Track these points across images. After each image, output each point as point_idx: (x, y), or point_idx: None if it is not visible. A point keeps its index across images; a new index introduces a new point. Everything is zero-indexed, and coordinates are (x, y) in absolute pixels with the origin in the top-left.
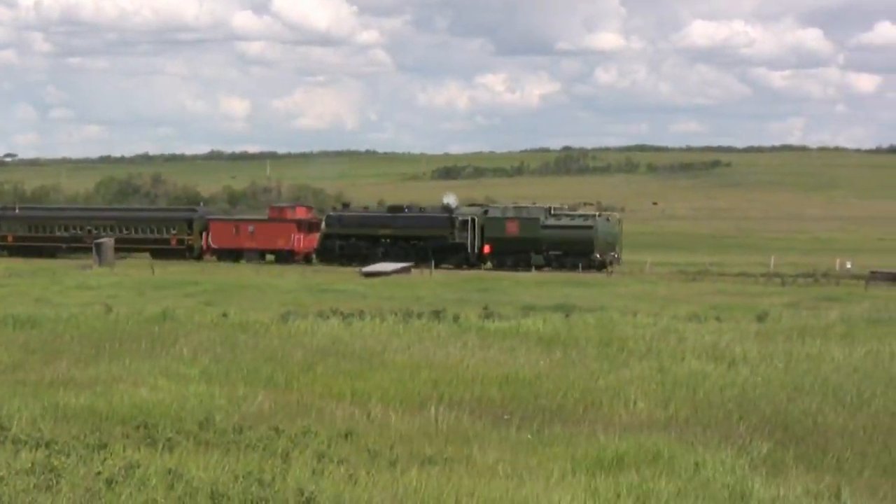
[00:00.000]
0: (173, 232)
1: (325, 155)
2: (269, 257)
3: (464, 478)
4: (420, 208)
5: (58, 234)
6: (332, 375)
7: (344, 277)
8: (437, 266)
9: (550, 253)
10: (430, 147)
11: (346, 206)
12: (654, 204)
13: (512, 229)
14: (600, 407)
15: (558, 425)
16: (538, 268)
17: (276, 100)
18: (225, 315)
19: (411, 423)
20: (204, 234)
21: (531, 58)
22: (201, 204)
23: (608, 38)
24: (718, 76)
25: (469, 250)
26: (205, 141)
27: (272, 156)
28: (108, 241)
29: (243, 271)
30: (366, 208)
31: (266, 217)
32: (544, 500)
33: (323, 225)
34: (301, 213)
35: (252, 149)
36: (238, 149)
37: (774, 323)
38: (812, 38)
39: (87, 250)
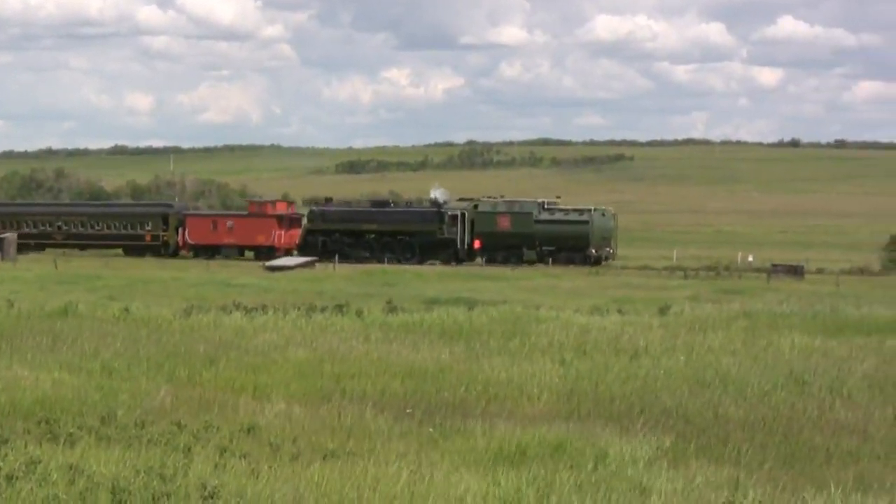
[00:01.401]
0: (147, 228)
1: (229, 150)
2: (249, 254)
3: (366, 471)
4: (407, 202)
5: (25, 230)
6: (235, 370)
7: (247, 271)
8: (424, 262)
9: (544, 248)
10: (335, 141)
11: (328, 200)
12: (557, 198)
13: (503, 224)
14: (503, 400)
15: (461, 419)
16: (531, 263)
17: (180, 94)
18: (127, 310)
19: (314, 417)
20: (180, 230)
21: (435, 52)
22: (176, 199)
23: (512, 33)
24: (622, 70)
25: (458, 246)
26: (109, 136)
27: (176, 150)
28: (10, 236)
29: (147, 266)
30: (349, 203)
31: (246, 212)
32: (446, 493)
33: (305, 220)
34: (282, 208)
35: (156, 143)
36: (142, 143)
37: (676, 316)
38: (715, 32)
39: (59, 247)
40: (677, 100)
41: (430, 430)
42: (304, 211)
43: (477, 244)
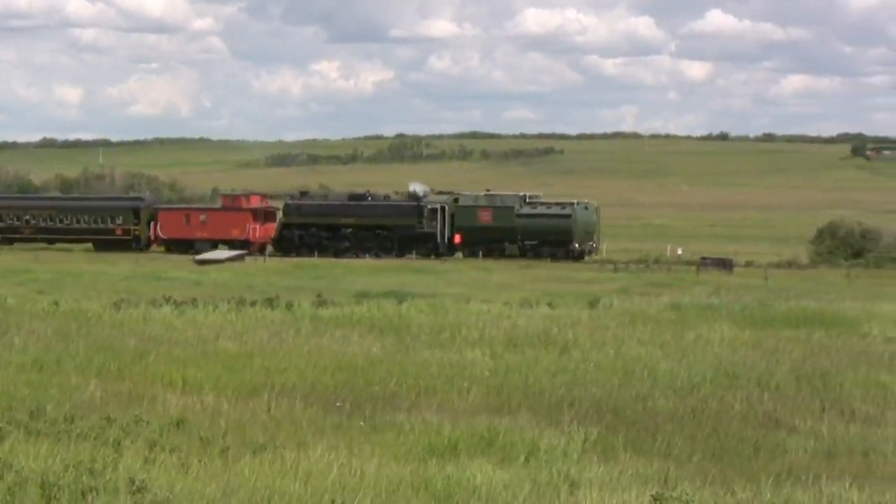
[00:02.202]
0: (118, 221)
1: (158, 143)
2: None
3: (297, 465)
4: (385, 196)
5: None
6: (165, 364)
7: (177, 265)
8: (403, 255)
9: (526, 243)
10: (265, 134)
11: (304, 194)
12: (487, 191)
13: (485, 218)
14: (433, 393)
15: (391, 412)
16: (512, 258)
17: (109, 87)
18: (56, 304)
19: (244, 410)
20: (152, 224)
21: (365, 45)
22: (147, 192)
23: (441, 26)
24: (551, 63)
25: (438, 240)
26: (37, 129)
27: (105, 143)
28: None
29: (77, 260)
30: (326, 196)
31: (219, 206)
32: (377, 486)
33: (280, 214)
34: (256, 202)
35: (85, 136)
36: (71, 136)
37: (606, 309)
38: (644, 25)
39: (27, 241)
40: (607, 93)
41: (361, 423)
42: (280, 204)
43: (458, 238)
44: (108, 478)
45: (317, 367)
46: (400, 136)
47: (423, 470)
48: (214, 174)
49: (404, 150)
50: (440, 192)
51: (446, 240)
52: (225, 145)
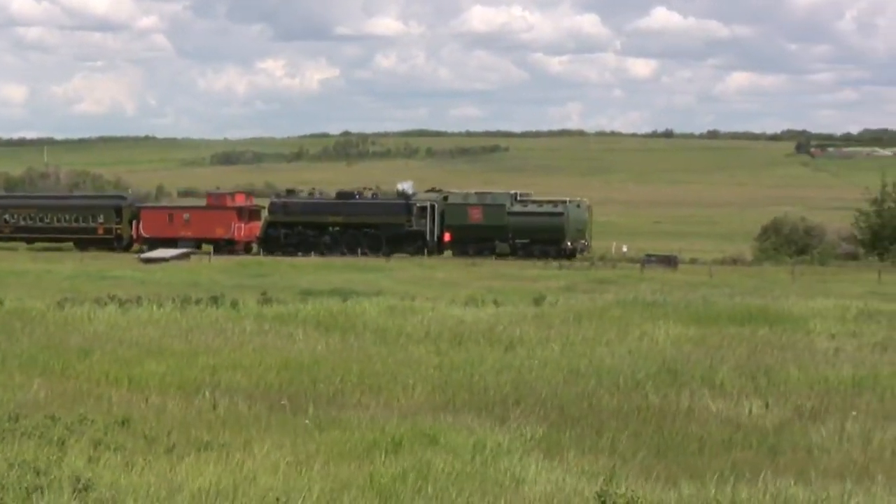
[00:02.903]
0: (100, 220)
1: (103, 141)
2: (207, 247)
3: (242, 464)
4: (373, 194)
5: None
6: (109, 362)
7: (122, 263)
8: (392, 255)
9: (517, 241)
10: (210, 132)
11: (290, 192)
12: (434, 189)
13: (475, 216)
14: (378, 391)
15: (336, 409)
16: (502, 256)
17: (54, 85)
18: (0, 302)
19: (188, 409)
20: (134, 223)
21: (310, 43)
22: (129, 191)
23: (387, 24)
24: (497, 61)
25: (427, 238)
26: None
27: (50, 142)
28: None
29: (20, 258)
30: (311, 194)
31: (203, 204)
32: (323, 485)
33: (266, 212)
34: (241, 200)
35: (30, 135)
36: (15, 135)
37: (551, 306)
38: (589, 23)
39: (7, 240)
40: (552, 91)
41: (306, 421)
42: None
43: (447, 237)
44: (52, 476)
45: (262, 365)
46: (345, 134)
47: (368, 467)
48: (160, 172)
49: (350, 148)
50: (429, 190)
51: (436, 238)
52: (171, 143)
